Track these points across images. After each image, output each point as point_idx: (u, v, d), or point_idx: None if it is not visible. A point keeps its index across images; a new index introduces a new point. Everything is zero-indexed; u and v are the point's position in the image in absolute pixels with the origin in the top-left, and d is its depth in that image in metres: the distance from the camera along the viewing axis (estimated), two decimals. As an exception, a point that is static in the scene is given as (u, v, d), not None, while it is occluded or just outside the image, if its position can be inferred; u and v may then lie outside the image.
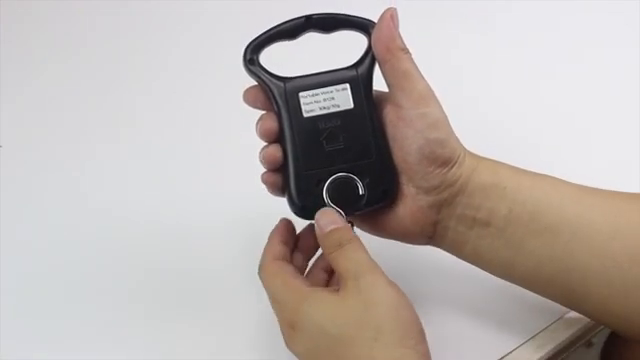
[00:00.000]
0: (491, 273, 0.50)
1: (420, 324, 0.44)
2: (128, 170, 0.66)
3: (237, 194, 0.61)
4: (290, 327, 0.45)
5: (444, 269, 0.55)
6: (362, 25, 0.49)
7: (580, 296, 0.47)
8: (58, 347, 0.52)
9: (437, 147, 0.46)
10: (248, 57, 0.48)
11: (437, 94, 0.47)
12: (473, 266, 0.49)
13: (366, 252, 0.45)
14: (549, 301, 0.52)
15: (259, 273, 0.48)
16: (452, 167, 0.47)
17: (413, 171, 0.47)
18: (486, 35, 0.80)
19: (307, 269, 0.50)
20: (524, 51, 0.78)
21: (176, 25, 0.84)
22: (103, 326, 0.53)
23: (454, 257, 0.51)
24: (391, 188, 0.48)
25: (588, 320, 0.53)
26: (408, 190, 0.48)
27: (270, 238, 0.50)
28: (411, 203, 0.48)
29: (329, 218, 0.47)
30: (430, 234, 0.49)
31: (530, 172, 0.48)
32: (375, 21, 0.48)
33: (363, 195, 0.48)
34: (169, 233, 0.60)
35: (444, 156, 0.46)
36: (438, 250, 0.50)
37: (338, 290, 0.44)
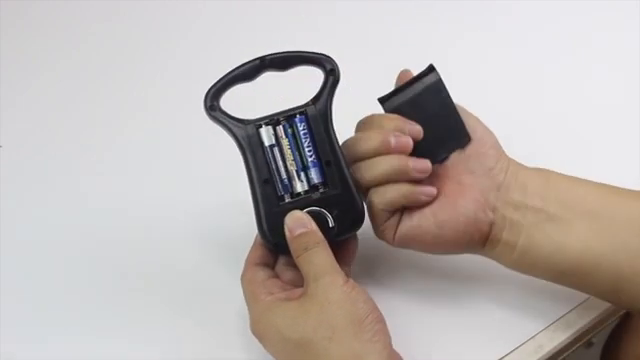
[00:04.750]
0: (537, 269, 0.49)
1: (379, 317, 0.44)
2: (129, 170, 0.66)
3: (236, 197, 0.60)
4: (258, 338, 0.46)
5: (445, 271, 0.55)
6: (316, 60, 0.49)
7: (629, 276, 0.46)
8: (58, 346, 0.52)
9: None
10: (209, 104, 0.49)
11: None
12: (473, 268, 0.49)
13: (330, 256, 0.46)
14: (549, 302, 0.53)
15: (240, 278, 0.49)
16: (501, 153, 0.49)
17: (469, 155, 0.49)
18: (483, 34, 0.80)
19: None
20: (522, 51, 0.77)
21: (176, 26, 0.83)
22: (104, 324, 0.54)
23: (454, 259, 0.51)
24: (359, 217, 0.48)
25: (588, 320, 0.53)
26: (466, 178, 0.48)
27: (254, 242, 0.50)
28: (470, 189, 0.48)
29: (298, 222, 0.47)
30: (490, 221, 0.48)
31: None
32: (328, 55, 0.49)
33: (333, 227, 0.48)
34: (168, 233, 0.60)
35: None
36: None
37: (300, 295, 0.45)
